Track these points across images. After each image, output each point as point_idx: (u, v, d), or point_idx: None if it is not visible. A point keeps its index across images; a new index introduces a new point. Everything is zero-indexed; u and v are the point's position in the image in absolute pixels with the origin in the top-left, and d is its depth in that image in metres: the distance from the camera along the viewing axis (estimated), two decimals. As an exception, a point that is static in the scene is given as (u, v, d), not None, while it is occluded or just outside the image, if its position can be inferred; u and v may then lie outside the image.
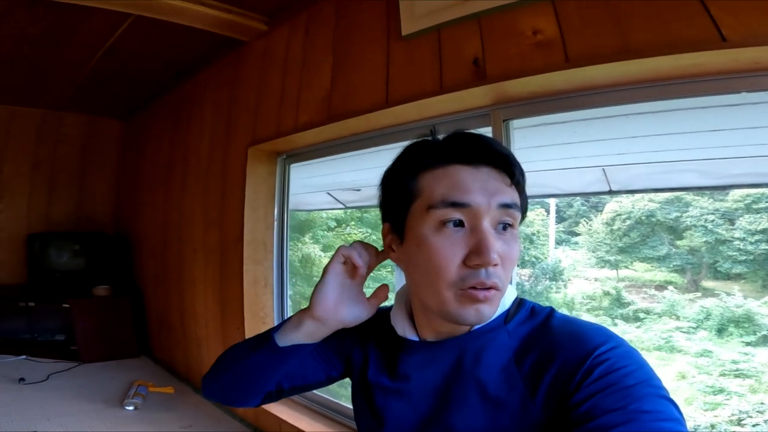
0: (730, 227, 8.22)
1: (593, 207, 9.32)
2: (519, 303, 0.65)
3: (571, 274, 8.68)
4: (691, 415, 5.23)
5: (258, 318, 2.23)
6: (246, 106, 2.31)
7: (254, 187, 2.23)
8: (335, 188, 3.89)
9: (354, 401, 0.77)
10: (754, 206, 8.12)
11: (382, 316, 0.77)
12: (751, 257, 7.93)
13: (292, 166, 2.30)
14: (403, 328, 0.69)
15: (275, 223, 2.27)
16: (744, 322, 6.89)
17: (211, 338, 2.52)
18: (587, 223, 9.15)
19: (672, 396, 0.48)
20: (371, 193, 3.77)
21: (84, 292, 3.29)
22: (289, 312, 2.32)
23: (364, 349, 0.75)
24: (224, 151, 2.44)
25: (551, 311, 0.63)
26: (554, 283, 8.12)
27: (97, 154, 3.96)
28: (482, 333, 0.62)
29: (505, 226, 0.58)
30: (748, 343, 6.53)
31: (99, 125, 3.94)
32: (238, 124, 2.35)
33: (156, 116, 3.41)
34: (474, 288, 0.55)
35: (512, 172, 0.59)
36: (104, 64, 2.72)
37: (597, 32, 1.09)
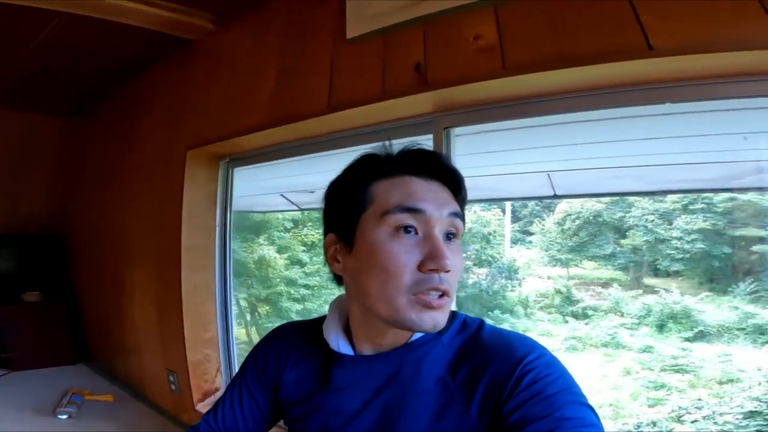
0: (669, 227, 8.75)
1: (546, 207, 9.67)
2: (452, 315, 0.66)
3: (526, 272, 8.97)
4: (636, 411, 5.51)
5: (200, 326, 2.15)
6: (190, 107, 2.21)
7: (193, 192, 2.14)
8: (289, 190, 3.83)
9: (287, 423, 0.74)
10: (690, 207, 8.65)
11: (309, 329, 0.75)
12: (688, 255, 8.45)
13: (236, 169, 2.22)
14: (336, 341, 0.67)
15: (217, 228, 2.19)
16: (682, 318, 7.34)
17: (150, 346, 2.42)
18: (540, 222, 9.50)
19: (590, 401, 0.54)
20: (325, 195, 3.73)
21: (13, 298, 3.07)
22: (234, 320, 2.27)
23: (291, 370, 0.72)
24: (165, 154, 2.32)
25: (481, 323, 0.65)
26: (510, 281, 8.36)
27: (32, 153, 3.67)
28: (419, 345, 0.62)
29: (450, 237, 0.61)
30: (686, 339, 6.95)
31: (35, 123, 3.64)
32: (180, 126, 2.25)
33: (98, 115, 3.22)
34: (428, 293, 0.56)
35: (459, 188, 0.64)
36: (37, 61, 2.52)
37: (535, 40, 1.10)
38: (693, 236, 8.45)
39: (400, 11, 1.39)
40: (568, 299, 8.29)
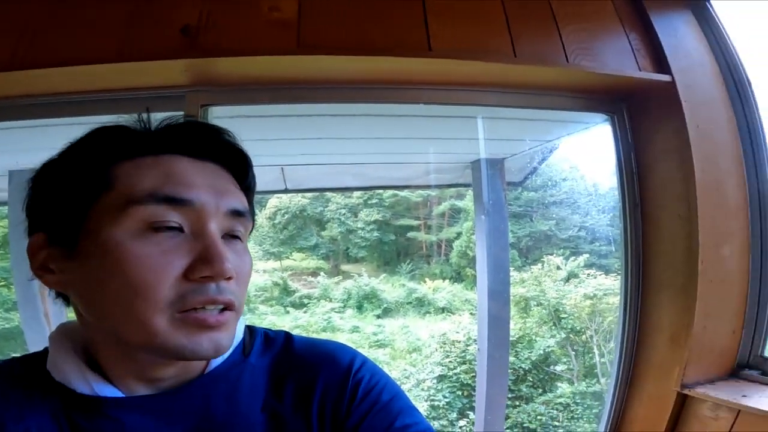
0: (355, 219, 10.58)
1: (257, 202, 9.99)
2: (250, 331, 0.57)
3: (244, 268, 9.09)
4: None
5: None
6: None
7: None
8: None
9: None
10: (369, 202, 10.72)
11: (23, 371, 0.50)
12: (369, 243, 10.48)
13: None
14: (85, 382, 0.47)
15: None
16: (372, 298, 9.00)
17: None
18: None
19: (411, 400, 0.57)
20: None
21: None
22: None
23: (11, 428, 0.47)
24: None
25: (287, 335, 0.59)
26: (230, 278, 8.26)
27: None
28: (223, 373, 0.51)
29: (233, 236, 0.49)
30: (378, 316, 8.57)
31: None
32: None
33: None
34: (202, 307, 0.44)
35: (245, 173, 0.51)
36: None
37: (334, 22, 1.07)
38: (371, 226, 10.52)
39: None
40: (286, 290, 8.92)
